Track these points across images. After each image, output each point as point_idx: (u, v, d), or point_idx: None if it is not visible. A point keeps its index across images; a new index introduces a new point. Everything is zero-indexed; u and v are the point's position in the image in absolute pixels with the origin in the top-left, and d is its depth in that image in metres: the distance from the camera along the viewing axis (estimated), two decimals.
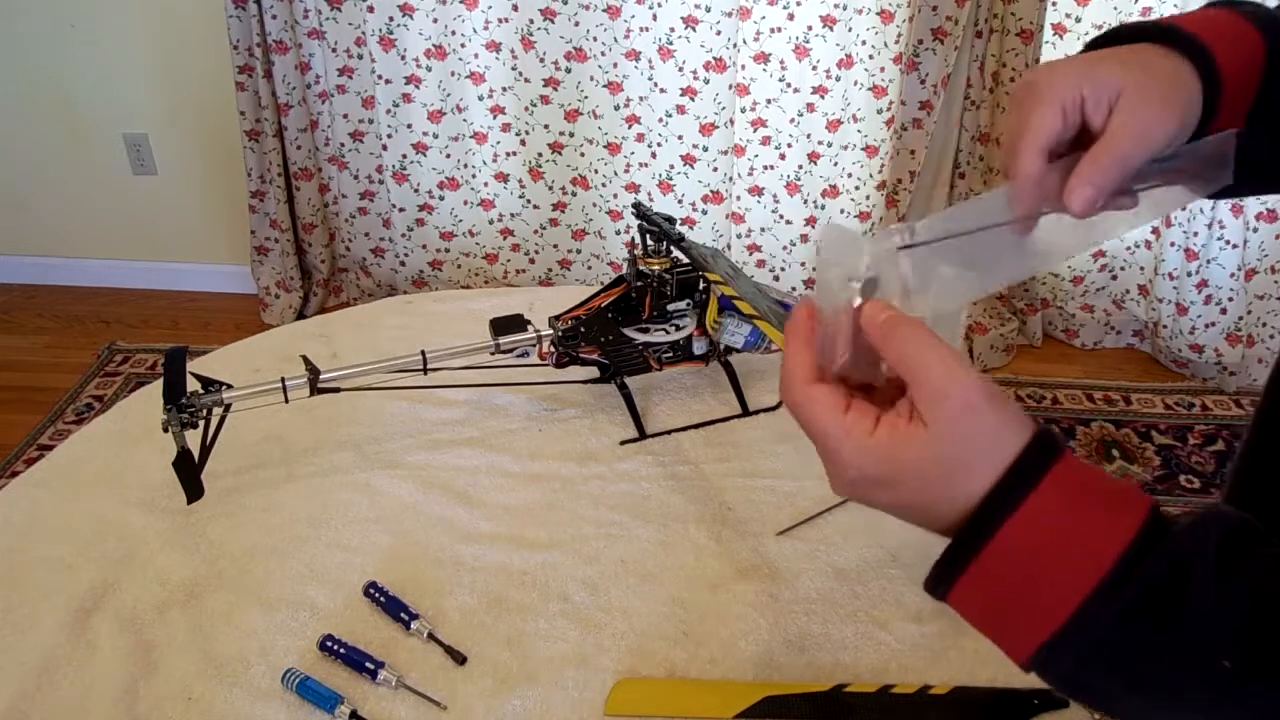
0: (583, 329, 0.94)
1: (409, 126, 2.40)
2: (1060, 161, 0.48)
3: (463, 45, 2.30)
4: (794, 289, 2.50)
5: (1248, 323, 2.36)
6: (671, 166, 2.39)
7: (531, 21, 2.26)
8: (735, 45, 2.23)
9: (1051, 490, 0.41)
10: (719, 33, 2.21)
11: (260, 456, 0.93)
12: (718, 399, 1.01)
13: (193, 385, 0.85)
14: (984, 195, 0.50)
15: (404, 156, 2.44)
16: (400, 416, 0.99)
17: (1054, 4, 2.23)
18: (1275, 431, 0.66)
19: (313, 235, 2.59)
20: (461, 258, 2.60)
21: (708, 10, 2.19)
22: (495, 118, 2.41)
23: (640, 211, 0.97)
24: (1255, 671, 0.37)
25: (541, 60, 2.31)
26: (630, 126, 2.36)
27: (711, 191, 2.40)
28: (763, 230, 2.48)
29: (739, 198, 2.46)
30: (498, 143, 2.44)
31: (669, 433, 0.96)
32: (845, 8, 2.19)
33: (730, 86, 2.28)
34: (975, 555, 0.41)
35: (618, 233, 2.52)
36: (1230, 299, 2.34)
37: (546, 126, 2.40)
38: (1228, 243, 2.28)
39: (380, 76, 2.33)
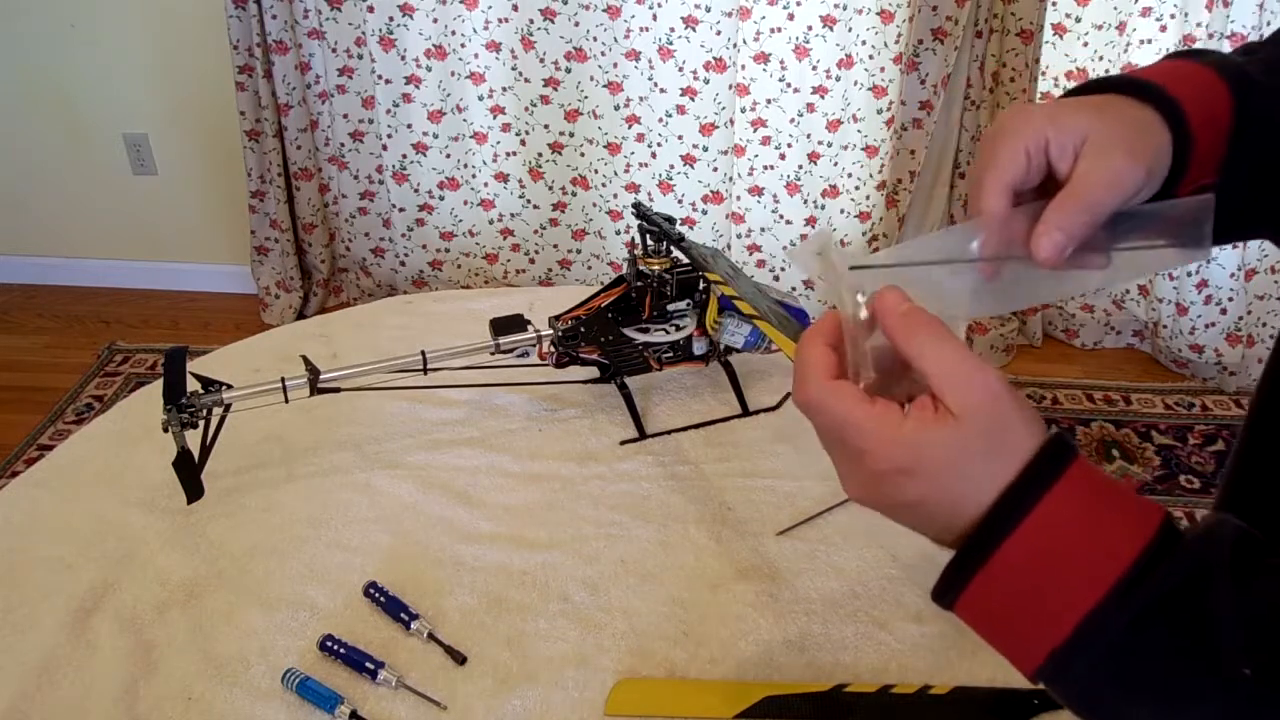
0: (583, 329, 0.94)
1: (409, 126, 2.40)
2: (1027, 207, 0.48)
3: (463, 45, 2.30)
4: (794, 289, 2.50)
5: (1248, 323, 2.36)
6: (671, 166, 2.39)
7: (531, 21, 2.26)
8: (735, 45, 2.23)
9: (1065, 495, 0.40)
10: (719, 33, 2.21)
11: (260, 456, 0.93)
12: (718, 399, 1.01)
13: (193, 385, 0.85)
14: (951, 229, 0.49)
15: (404, 156, 2.44)
16: (400, 416, 0.99)
17: (1054, 4, 2.23)
18: (1267, 433, 0.66)
19: (313, 235, 2.59)
20: (461, 258, 2.60)
21: (708, 10, 2.19)
22: (495, 118, 2.41)
23: (640, 211, 0.97)
24: (1276, 680, 0.37)
25: (541, 60, 2.31)
26: (630, 126, 2.36)
27: (711, 191, 2.40)
28: (763, 230, 2.48)
29: (739, 198, 2.46)
30: (498, 143, 2.44)
31: (669, 433, 0.96)
32: (845, 8, 2.19)
33: (730, 86, 2.28)
34: (985, 560, 0.41)
35: (618, 233, 2.52)
36: (1230, 299, 2.34)
37: (546, 126, 2.40)
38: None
39: (380, 76, 2.34)
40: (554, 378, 0.99)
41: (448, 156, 2.45)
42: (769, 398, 1.01)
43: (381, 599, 0.76)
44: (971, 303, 0.48)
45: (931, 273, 0.47)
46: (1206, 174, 0.52)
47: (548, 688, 0.70)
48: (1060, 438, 0.42)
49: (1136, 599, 0.38)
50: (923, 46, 2.25)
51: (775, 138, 2.37)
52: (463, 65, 2.33)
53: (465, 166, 2.46)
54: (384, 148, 2.43)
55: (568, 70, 2.31)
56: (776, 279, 2.53)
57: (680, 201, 2.43)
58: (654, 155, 2.39)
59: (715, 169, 2.37)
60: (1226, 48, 2.09)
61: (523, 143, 2.43)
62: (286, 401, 0.86)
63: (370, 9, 2.25)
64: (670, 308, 0.97)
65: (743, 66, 2.28)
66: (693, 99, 2.29)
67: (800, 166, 2.38)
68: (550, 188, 2.49)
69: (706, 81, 2.27)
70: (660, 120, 2.34)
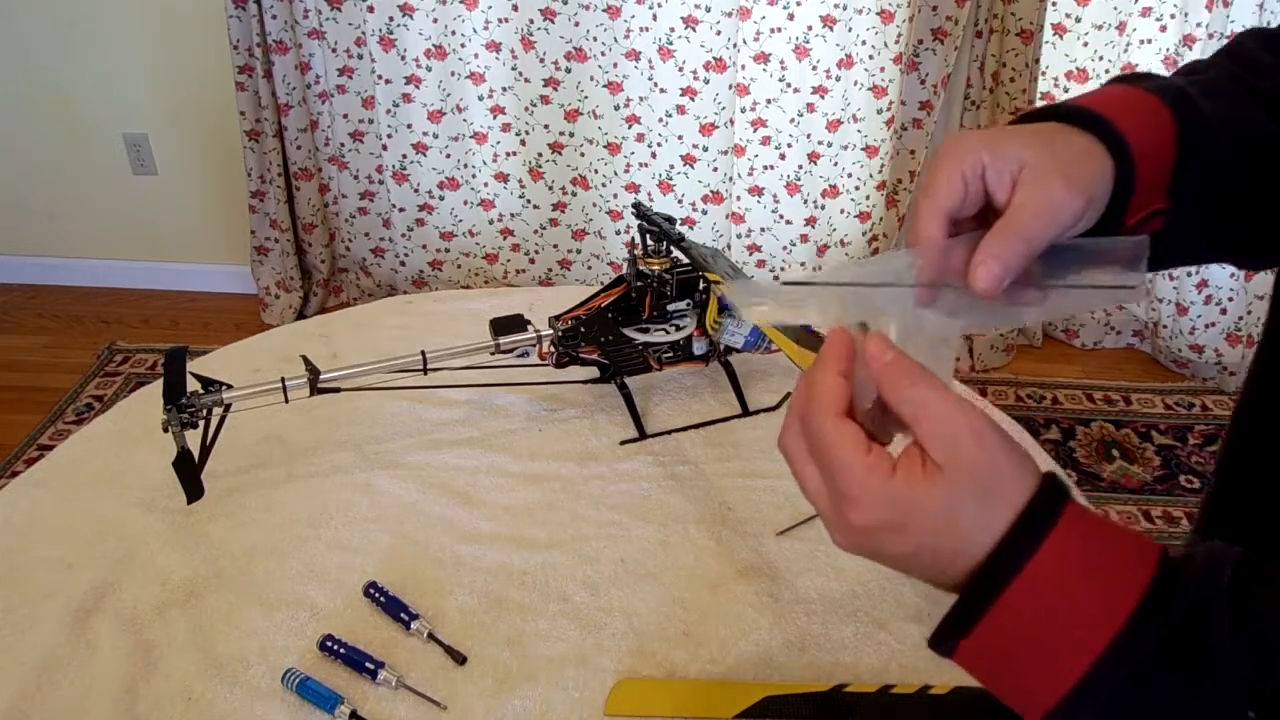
0: (583, 329, 0.94)
1: (409, 126, 2.40)
2: (967, 236, 0.47)
3: (463, 45, 2.30)
4: None
5: (1248, 323, 2.36)
6: (671, 166, 2.39)
7: (531, 21, 2.26)
8: (735, 45, 2.23)
9: (1060, 543, 0.40)
10: (719, 33, 2.21)
11: (260, 456, 0.93)
12: (718, 399, 1.01)
13: (193, 385, 0.85)
14: (893, 253, 0.48)
15: (404, 156, 2.44)
16: (400, 416, 0.99)
17: (1054, 4, 2.23)
18: (1250, 436, 0.66)
19: (313, 235, 2.59)
20: (461, 258, 2.60)
21: (708, 10, 2.19)
22: (495, 118, 2.41)
23: (640, 211, 0.97)
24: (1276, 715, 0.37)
25: (541, 60, 2.31)
26: (630, 126, 2.36)
27: (711, 191, 2.40)
28: (763, 230, 2.49)
29: (739, 198, 2.46)
30: (498, 143, 2.44)
31: (669, 433, 0.96)
32: (845, 8, 2.19)
33: (730, 86, 2.28)
34: (983, 613, 0.40)
35: (618, 233, 2.52)
36: (1230, 299, 2.34)
37: (546, 126, 2.40)
38: None
39: (380, 76, 2.34)
40: (554, 378, 0.99)
41: (448, 156, 2.45)
42: (769, 398, 1.01)
43: (381, 599, 0.76)
44: (913, 327, 0.47)
45: (873, 296, 0.46)
46: (1154, 200, 0.51)
47: (548, 688, 0.70)
48: (1052, 481, 0.41)
49: (1138, 648, 0.38)
50: (923, 46, 2.25)
51: (775, 138, 2.37)
52: (463, 65, 2.33)
53: (465, 166, 2.46)
54: (384, 148, 2.43)
55: (568, 70, 2.31)
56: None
57: (680, 201, 2.43)
58: (654, 155, 2.39)
59: (715, 169, 2.37)
60: None
61: (523, 143, 2.43)
62: (286, 401, 0.86)
63: (370, 9, 2.25)
64: (670, 308, 0.97)
65: (743, 66, 2.28)
66: (693, 99, 2.29)
67: (800, 166, 2.38)
68: (550, 188, 2.49)
69: (706, 81, 2.27)
70: (660, 120, 2.34)
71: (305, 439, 0.95)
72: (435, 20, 2.28)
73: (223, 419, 0.86)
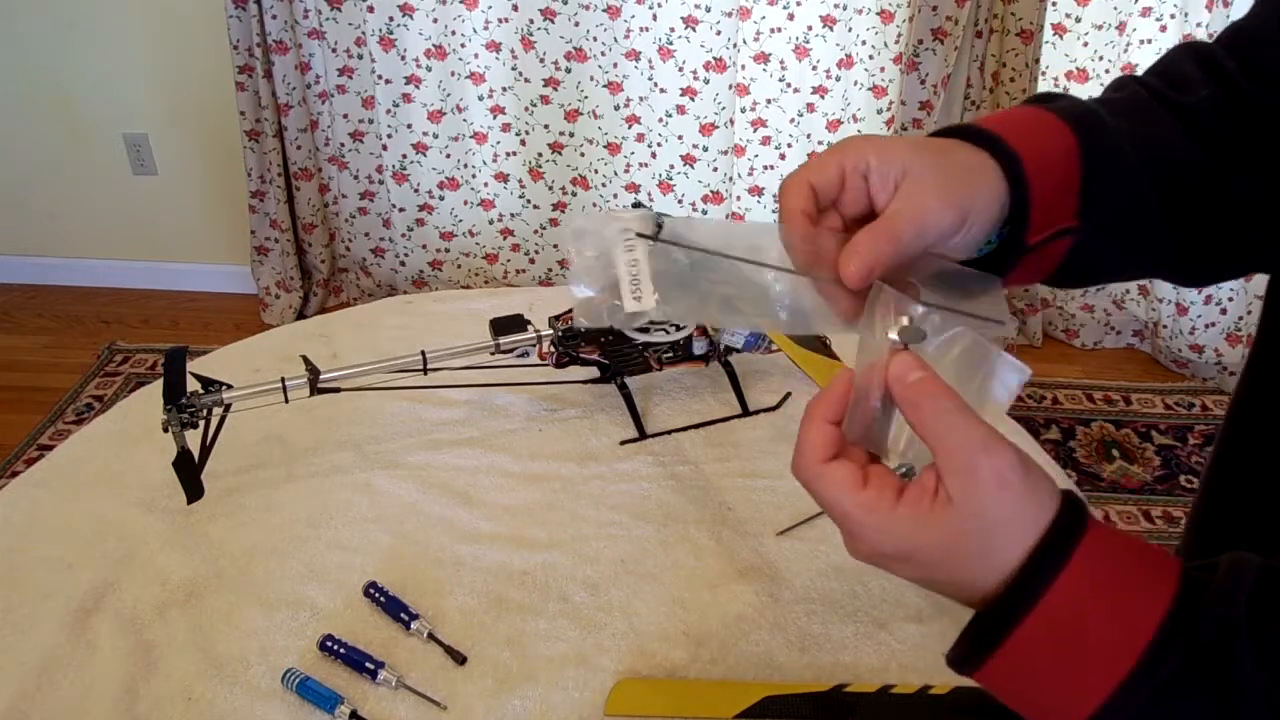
0: (583, 329, 0.94)
1: (409, 126, 2.40)
2: (842, 232, 0.48)
3: (463, 45, 2.30)
4: None
5: (1248, 323, 2.36)
6: (671, 166, 2.39)
7: (531, 21, 2.26)
8: (735, 45, 2.23)
9: (1082, 568, 0.39)
10: (719, 33, 2.21)
11: (260, 456, 0.93)
12: (718, 399, 1.01)
13: (193, 385, 0.85)
14: (767, 224, 0.48)
15: (404, 156, 2.44)
16: (400, 416, 0.99)
17: (1054, 4, 2.23)
18: (1246, 430, 0.66)
19: (313, 235, 2.59)
20: (461, 258, 2.60)
21: (708, 10, 2.19)
22: (495, 118, 2.41)
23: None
24: None
25: (541, 60, 2.31)
26: (630, 126, 2.36)
27: (711, 191, 2.40)
28: None
29: (739, 198, 2.46)
30: (498, 143, 2.44)
31: (669, 433, 0.96)
32: (845, 8, 2.19)
33: (730, 86, 2.28)
34: (1005, 636, 0.40)
35: None
36: (1230, 299, 2.34)
37: (546, 126, 2.40)
38: None
39: (380, 76, 2.34)
40: (554, 378, 0.99)
41: (448, 156, 2.45)
42: (769, 398, 1.01)
43: (381, 599, 0.76)
44: (759, 312, 0.47)
45: (726, 269, 0.46)
46: (1058, 219, 0.50)
47: (548, 688, 0.70)
48: (1070, 509, 0.41)
49: (1162, 670, 0.38)
50: (923, 46, 2.25)
51: (775, 138, 2.37)
52: (463, 65, 2.33)
53: (465, 166, 2.46)
54: (384, 148, 2.43)
55: (568, 70, 2.31)
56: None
57: (680, 201, 2.43)
58: (654, 155, 2.39)
59: (715, 169, 2.37)
60: None
61: (523, 143, 2.43)
62: (286, 401, 0.86)
63: (370, 9, 2.25)
64: None
65: (743, 66, 2.28)
66: (693, 99, 2.29)
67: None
68: (550, 188, 2.49)
69: (706, 81, 2.27)
70: (660, 120, 2.34)
71: (305, 439, 0.95)
72: (435, 20, 2.28)
73: (223, 419, 0.86)
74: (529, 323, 0.95)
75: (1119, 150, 0.52)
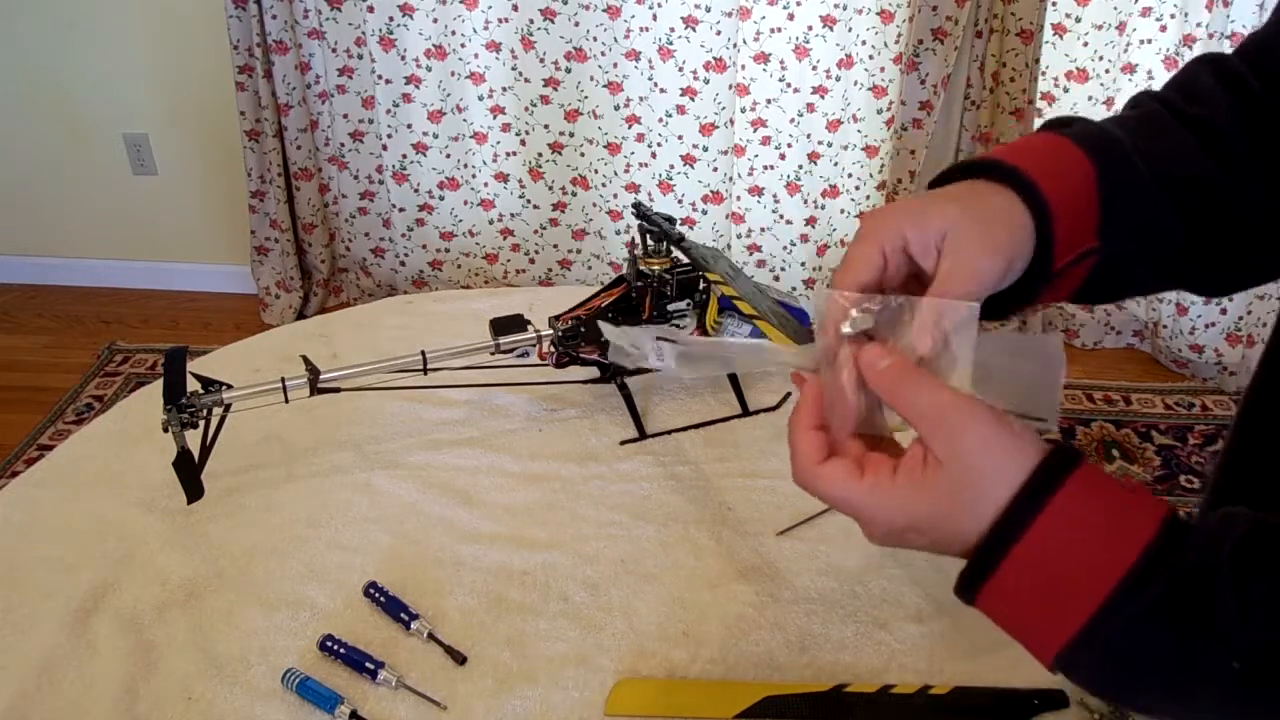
0: (583, 329, 0.94)
1: (409, 126, 2.40)
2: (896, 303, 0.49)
3: (463, 45, 2.30)
4: (794, 289, 2.50)
5: (1248, 323, 2.36)
6: (671, 166, 2.39)
7: (531, 21, 2.26)
8: (735, 45, 2.23)
9: (1070, 498, 0.42)
10: (719, 33, 2.21)
11: (260, 456, 0.93)
12: (718, 399, 1.01)
13: (193, 385, 0.85)
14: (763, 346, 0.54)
15: (404, 156, 2.44)
16: (400, 416, 0.99)
17: (1054, 4, 2.23)
18: (1260, 423, 0.66)
19: (313, 235, 2.59)
20: (461, 258, 2.60)
21: (708, 10, 2.19)
22: (495, 118, 2.41)
23: (640, 211, 0.97)
24: (1265, 676, 0.38)
25: (541, 60, 2.31)
26: (630, 126, 2.36)
27: (711, 191, 2.40)
28: (763, 230, 2.49)
29: (739, 198, 2.46)
30: (498, 143, 2.44)
31: (669, 433, 0.96)
32: (845, 8, 2.19)
33: (730, 86, 2.28)
34: (998, 563, 0.43)
35: (618, 233, 2.52)
36: (1230, 299, 2.34)
37: (546, 126, 2.40)
38: None
39: (380, 76, 2.34)
40: (554, 378, 0.99)
41: (448, 156, 2.45)
42: (769, 398, 1.01)
43: (381, 599, 0.76)
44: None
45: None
46: (1081, 242, 0.52)
47: (548, 688, 0.70)
48: (1064, 447, 0.44)
49: (1138, 599, 0.40)
50: (923, 46, 2.25)
51: (775, 138, 2.37)
52: (463, 65, 2.33)
53: (465, 166, 2.46)
54: (384, 148, 2.43)
55: (568, 70, 2.31)
56: (776, 279, 2.53)
57: (680, 201, 2.43)
58: (654, 155, 2.39)
59: (715, 169, 2.37)
60: (1226, 47, 2.09)
61: (523, 143, 2.43)
62: (286, 401, 0.86)
63: (370, 9, 2.25)
64: (670, 308, 0.97)
65: (743, 66, 2.28)
66: (693, 99, 2.29)
67: (800, 166, 2.38)
68: (550, 188, 2.49)
69: (706, 81, 2.27)
70: (660, 120, 2.34)
71: (305, 439, 0.95)
72: (435, 20, 2.28)
73: (223, 419, 0.86)
74: (529, 323, 0.95)
75: (1134, 170, 0.53)
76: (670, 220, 0.96)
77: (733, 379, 1.00)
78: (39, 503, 0.88)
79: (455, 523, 0.85)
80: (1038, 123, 2.06)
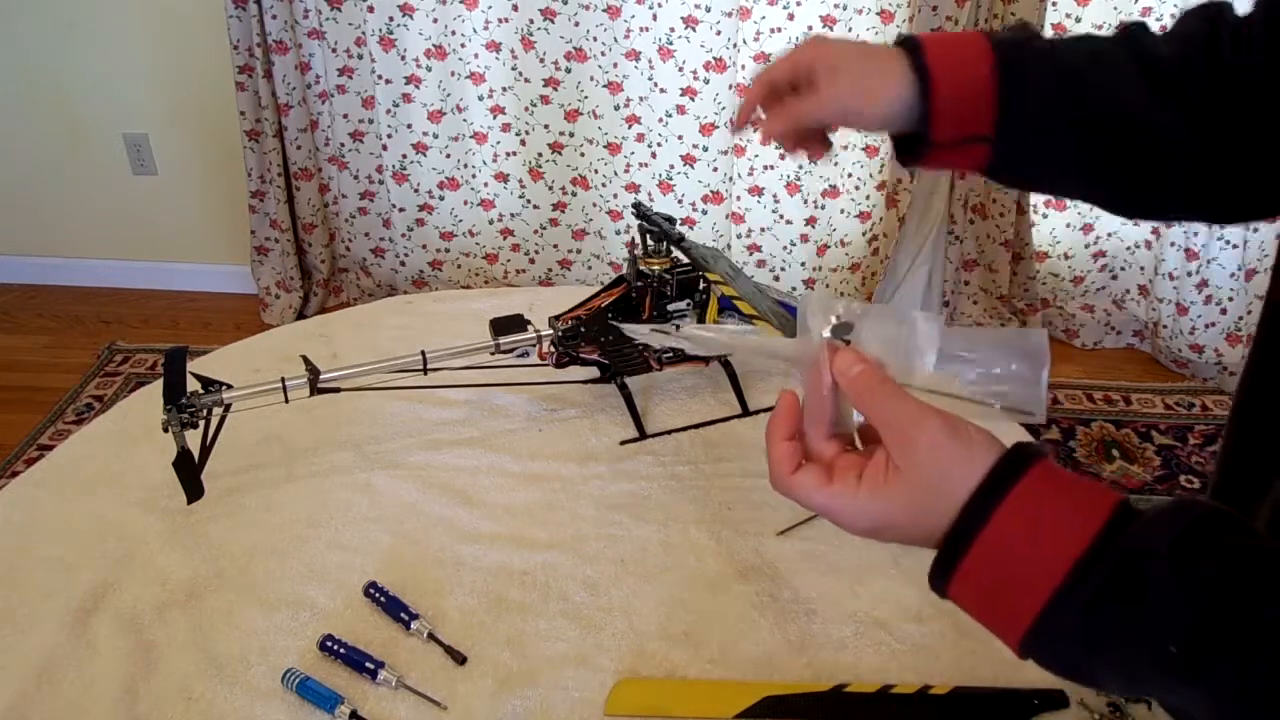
0: (583, 329, 0.94)
1: (409, 126, 2.40)
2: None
3: (463, 45, 2.30)
4: (794, 289, 2.50)
5: (1248, 323, 2.36)
6: (671, 166, 2.39)
7: (531, 21, 2.26)
8: (735, 45, 2.23)
9: (1024, 494, 0.45)
10: (719, 33, 2.21)
11: (260, 456, 0.93)
12: (718, 399, 1.01)
13: (193, 385, 0.85)
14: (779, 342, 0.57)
15: (404, 156, 2.44)
16: (400, 416, 0.99)
17: (1054, 4, 2.23)
18: (1253, 419, 0.66)
19: (313, 235, 2.59)
20: (461, 258, 2.60)
21: (708, 10, 2.19)
22: (495, 118, 2.41)
23: (640, 211, 0.97)
24: (1199, 658, 0.40)
25: (541, 60, 2.31)
26: (630, 126, 2.36)
27: (711, 191, 2.40)
28: (763, 230, 2.49)
29: (739, 198, 2.46)
30: (498, 143, 2.44)
31: (669, 433, 0.96)
32: (845, 8, 2.19)
33: (730, 86, 2.28)
34: (960, 558, 0.46)
35: (618, 233, 2.52)
36: (1230, 299, 2.34)
37: (546, 126, 2.40)
38: (1228, 243, 2.28)
39: (380, 76, 2.34)
40: (554, 378, 0.99)
41: (448, 156, 2.45)
42: (769, 398, 1.01)
43: (381, 599, 0.76)
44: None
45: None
46: (970, 125, 0.63)
47: (548, 688, 0.70)
48: (1021, 446, 0.46)
49: (1084, 587, 0.43)
50: None
51: None
52: (463, 65, 2.33)
53: (465, 166, 2.46)
54: (384, 148, 2.43)
55: (568, 70, 2.31)
56: (776, 279, 2.53)
57: (680, 201, 2.43)
58: (654, 155, 2.39)
59: (715, 169, 2.37)
60: None
61: (523, 143, 2.43)
62: (286, 401, 0.86)
63: (370, 9, 2.25)
64: (670, 308, 0.97)
65: (743, 66, 2.28)
66: (693, 99, 2.29)
67: (800, 166, 2.38)
68: (550, 188, 2.49)
69: (706, 81, 2.27)
70: (660, 120, 2.34)
71: (305, 439, 0.95)
72: (435, 20, 2.28)
73: (223, 419, 0.86)
74: (529, 323, 0.95)
75: (1038, 74, 0.62)
76: (670, 220, 0.96)
77: (733, 379, 1.00)
78: (39, 503, 0.88)
79: (455, 523, 0.85)
80: None
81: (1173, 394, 2.39)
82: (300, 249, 2.63)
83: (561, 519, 0.86)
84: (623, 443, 0.95)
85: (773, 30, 2.24)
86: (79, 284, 2.84)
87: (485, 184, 2.50)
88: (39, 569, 0.80)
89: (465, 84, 2.35)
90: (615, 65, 2.29)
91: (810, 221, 2.45)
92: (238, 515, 0.86)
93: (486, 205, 2.53)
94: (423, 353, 0.91)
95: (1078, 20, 2.27)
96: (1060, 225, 2.50)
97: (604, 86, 2.32)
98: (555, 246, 2.57)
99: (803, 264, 2.50)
